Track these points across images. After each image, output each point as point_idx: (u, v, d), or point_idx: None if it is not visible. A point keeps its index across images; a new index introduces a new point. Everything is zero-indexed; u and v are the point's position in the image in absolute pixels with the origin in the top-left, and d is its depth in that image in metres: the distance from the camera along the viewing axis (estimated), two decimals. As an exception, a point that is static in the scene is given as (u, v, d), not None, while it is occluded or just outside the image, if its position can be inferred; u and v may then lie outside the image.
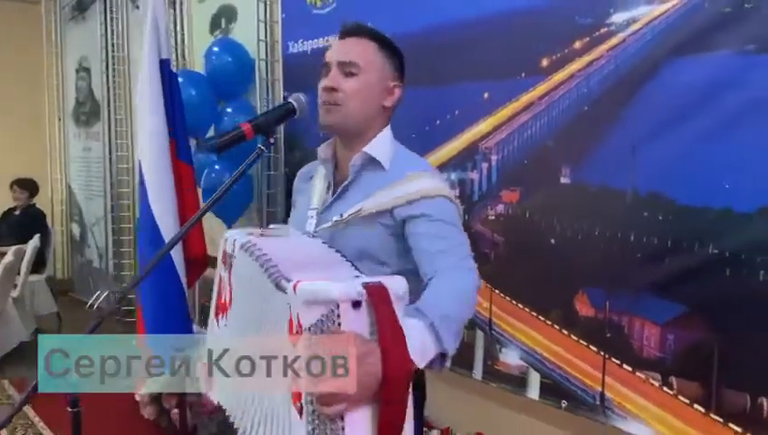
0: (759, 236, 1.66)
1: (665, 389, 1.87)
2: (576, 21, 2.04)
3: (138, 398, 3.35)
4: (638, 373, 1.93)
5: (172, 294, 2.56)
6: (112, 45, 5.33)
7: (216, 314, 1.27)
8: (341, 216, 1.27)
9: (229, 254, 1.21)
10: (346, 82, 1.31)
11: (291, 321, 0.96)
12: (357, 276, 1.01)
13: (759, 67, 1.65)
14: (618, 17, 1.95)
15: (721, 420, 1.75)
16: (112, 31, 5.33)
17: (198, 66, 3.86)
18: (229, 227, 3.61)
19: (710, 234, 1.75)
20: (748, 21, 1.66)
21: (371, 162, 1.32)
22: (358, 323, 0.93)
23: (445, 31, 2.45)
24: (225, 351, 1.17)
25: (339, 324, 0.93)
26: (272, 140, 1.29)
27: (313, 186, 1.41)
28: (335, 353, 0.91)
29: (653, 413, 1.89)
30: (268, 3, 3.51)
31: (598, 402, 2.04)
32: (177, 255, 2.65)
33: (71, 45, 6.24)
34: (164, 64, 2.70)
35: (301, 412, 0.94)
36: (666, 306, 1.86)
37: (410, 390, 0.97)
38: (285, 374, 0.96)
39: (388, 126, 1.38)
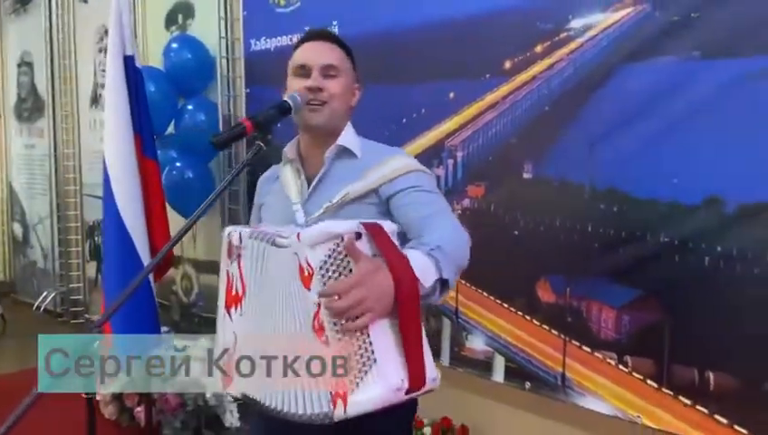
0: (703, 225, 1.84)
1: (620, 367, 2.03)
2: (537, 26, 2.18)
3: (98, 397, 3.31)
4: (596, 354, 2.09)
5: (139, 290, 2.55)
6: (58, 40, 5.19)
7: (228, 308, 1.29)
8: (331, 201, 1.34)
9: (236, 246, 1.25)
10: (329, 83, 1.40)
11: (301, 268, 1.05)
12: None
13: (704, 72, 1.83)
14: (576, 23, 2.10)
15: (671, 393, 1.92)
16: (58, 25, 5.19)
17: (153, 62, 3.83)
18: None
19: (660, 224, 1.92)
20: (694, 29, 1.83)
21: (344, 152, 1.42)
22: (362, 250, 1.05)
23: (411, 32, 2.55)
24: (247, 337, 1.21)
25: (345, 255, 1.04)
26: (269, 136, 1.33)
27: (285, 184, 1.45)
28: (349, 275, 1.03)
29: (610, 390, 2.05)
30: (228, 0, 3.52)
31: (559, 382, 2.18)
32: (143, 249, 2.65)
33: (12, 39, 6.02)
34: (128, 60, 2.69)
35: (327, 343, 1.02)
36: (621, 291, 2.02)
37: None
38: (304, 316, 1.05)
39: (349, 123, 1.48)
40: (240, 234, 1.25)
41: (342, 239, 1.04)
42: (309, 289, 1.05)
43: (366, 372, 1.03)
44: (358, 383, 1.03)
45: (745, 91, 1.76)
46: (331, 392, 1.02)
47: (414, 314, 1.07)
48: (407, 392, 1.05)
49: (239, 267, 1.24)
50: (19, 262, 6.18)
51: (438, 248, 1.17)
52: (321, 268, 1.04)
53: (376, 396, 1.02)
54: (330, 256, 1.04)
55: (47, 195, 5.51)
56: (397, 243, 1.11)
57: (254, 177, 1.65)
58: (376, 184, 1.34)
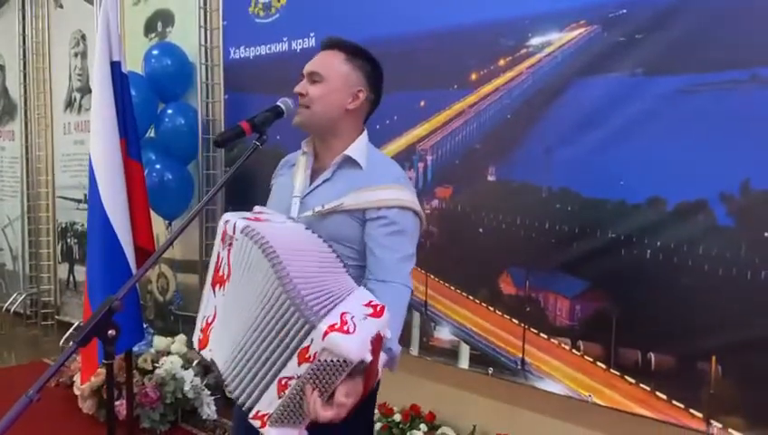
0: (646, 222, 2.07)
1: (574, 351, 2.24)
2: (500, 42, 2.40)
3: (77, 392, 3.39)
4: (552, 340, 2.30)
5: (123, 282, 2.66)
6: (32, 43, 5.23)
7: (214, 285, 1.44)
8: (323, 207, 1.47)
9: (229, 235, 1.38)
10: (311, 88, 1.53)
11: (307, 347, 1.19)
12: (363, 317, 1.21)
13: (646, 87, 2.06)
14: (535, 41, 2.32)
15: (618, 373, 2.14)
16: (32, 29, 5.24)
17: (131, 67, 3.93)
18: (170, 223, 3.73)
19: (609, 221, 2.14)
20: (638, 49, 2.07)
21: (350, 161, 1.53)
22: (357, 368, 1.20)
23: (385, 44, 2.73)
24: (224, 316, 1.38)
25: (344, 372, 1.18)
26: (265, 137, 1.49)
27: (295, 174, 1.59)
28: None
29: (564, 372, 2.26)
30: (209, 10, 3.67)
31: (519, 367, 2.38)
32: (128, 247, 2.76)
33: (-18, 41, 6.01)
34: (115, 66, 2.81)
35: (280, 397, 1.22)
36: (574, 282, 2.23)
37: None
38: (285, 356, 1.22)
39: (365, 132, 1.58)
40: (235, 224, 1.36)
41: (349, 364, 1.17)
42: (298, 364, 1.20)
43: (288, 426, 1.24)
44: (278, 424, 1.24)
45: (682, 103, 2.00)
46: (256, 413, 1.26)
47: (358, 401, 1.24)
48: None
49: (228, 254, 1.38)
50: (-14, 265, 6.14)
51: (393, 342, 1.34)
52: (319, 362, 1.17)
53: None
54: (331, 362, 1.17)
55: (17, 197, 5.52)
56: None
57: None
58: (363, 207, 1.45)
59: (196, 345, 1.48)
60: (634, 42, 2.08)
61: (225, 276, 1.40)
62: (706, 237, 1.95)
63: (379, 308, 1.24)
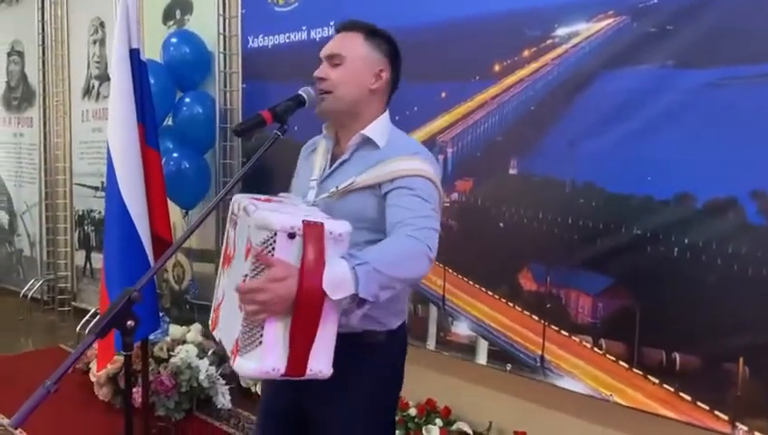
0: (673, 219, 2.01)
1: (595, 349, 2.20)
2: (525, 32, 2.34)
3: (93, 378, 3.41)
4: (573, 337, 2.25)
5: (140, 272, 2.65)
6: (51, 30, 5.24)
7: (223, 265, 1.48)
8: (337, 187, 1.45)
9: (235, 214, 1.41)
10: (333, 72, 1.50)
11: (248, 238, 1.22)
12: (307, 215, 1.22)
13: (676, 79, 2.00)
14: (561, 31, 2.26)
15: (641, 373, 2.09)
16: (51, 15, 5.24)
17: (149, 54, 3.91)
18: (187, 212, 3.72)
19: (634, 218, 2.09)
20: (669, 40, 2.01)
21: (367, 142, 1.49)
22: (288, 250, 1.16)
23: (406, 34, 2.67)
24: (229, 290, 1.38)
25: (273, 249, 1.16)
26: (285, 127, 1.46)
27: (315, 159, 1.58)
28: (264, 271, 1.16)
29: (585, 371, 2.22)
30: (227, -2, 3.64)
31: (538, 364, 2.34)
32: (145, 235, 2.75)
33: (2, 28, 6.03)
34: (134, 54, 2.79)
35: (240, 309, 1.20)
36: (597, 279, 2.19)
37: (324, 310, 1.18)
38: (237, 280, 1.23)
39: (386, 112, 1.55)
40: (239, 203, 1.38)
41: (275, 235, 1.15)
42: (245, 259, 1.23)
43: (252, 349, 1.19)
44: (244, 353, 1.20)
45: (713, 97, 1.94)
46: (233, 345, 1.24)
47: (309, 319, 1.17)
48: (283, 375, 1.20)
49: (234, 233, 1.40)
50: (5, 250, 6.19)
51: (365, 264, 1.19)
52: (255, 248, 1.17)
53: (250, 369, 1.20)
54: (264, 243, 1.16)
55: (35, 183, 5.55)
56: (332, 250, 1.18)
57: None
58: (376, 181, 1.42)
59: (211, 327, 1.52)
60: (664, 33, 2.02)
61: (231, 254, 1.42)
62: (736, 236, 1.90)
63: (342, 222, 1.22)
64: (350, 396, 1.45)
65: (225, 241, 1.50)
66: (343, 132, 1.56)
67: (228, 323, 1.33)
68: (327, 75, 1.50)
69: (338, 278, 1.17)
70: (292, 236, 1.15)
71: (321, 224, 1.17)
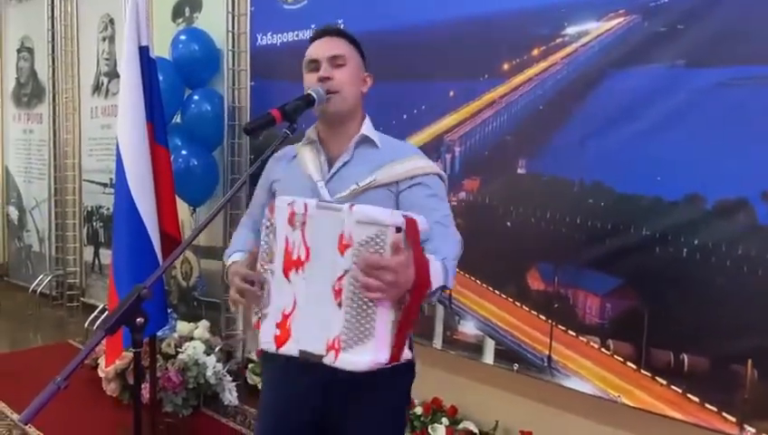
0: (683, 220, 2.00)
1: (603, 350, 2.19)
2: (534, 31, 2.33)
3: (101, 374, 3.43)
4: (580, 338, 2.25)
5: (148, 268, 2.66)
6: (61, 26, 5.26)
7: (287, 271, 1.35)
8: (358, 184, 1.46)
9: (300, 214, 1.33)
10: (338, 72, 1.52)
11: (341, 235, 1.23)
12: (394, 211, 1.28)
13: (686, 79, 1.99)
14: (571, 30, 2.25)
15: (649, 374, 2.08)
16: (61, 12, 5.27)
17: (158, 52, 3.93)
18: (195, 209, 3.73)
19: (643, 218, 2.08)
20: (679, 39, 2.00)
21: (366, 141, 1.53)
22: (397, 243, 1.21)
23: (415, 32, 2.69)
24: (309, 296, 1.32)
25: (384, 242, 1.20)
26: (295, 126, 1.46)
27: (304, 164, 1.54)
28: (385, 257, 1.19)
29: (592, 371, 2.22)
30: (236, -5, 3.65)
31: (545, 364, 2.34)
32: (154, 233, 2.76)
33: (12, 24, 6.07)
34: (143, 51, 2.80)
35: (340, 305, 1.24)
36: (605, 280, 2.18)
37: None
38: (330, 275, 1.25)
39: (367, 115, 1.60)
40: (306, 204, 1.33)
41: (385, 229, 1.20)
42: (342, 256, 1.23)
43: (362, 342, 1.21)
44: (350, 348, 1.22)
45: (724, 97, 1.93)
46: (328, 342, 1.24)
47: (416, 309, 1.25)
48: (389, 362, 1.25)
49: (302, 234, 1.32)
50: (14, 245, 6.24)
51: (448, 259, 1.35)
52: (359, 244, 1.21)
53: (362, 362, 1.22)
54: (370, 239, 1.20)
55: (45, 179, 5.58)
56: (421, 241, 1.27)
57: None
58: (399, 177, 1.47)
59: (270, 345, 1.35)
60: (675, 32, 2.01)
61: (302, 258, 1.34)
62: (746, 237, 1.89)
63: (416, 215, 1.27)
64: (377, 395, 1.46)
65: (282, 246, 1.36)
66: (335, 133, 1.55)
67: (313, 325, 1.28)
68: (333, 75, 1.51)
69: (435, 271, 1.29)
70: (399, 230, 1.20)
71: (416, 219, 1.24)
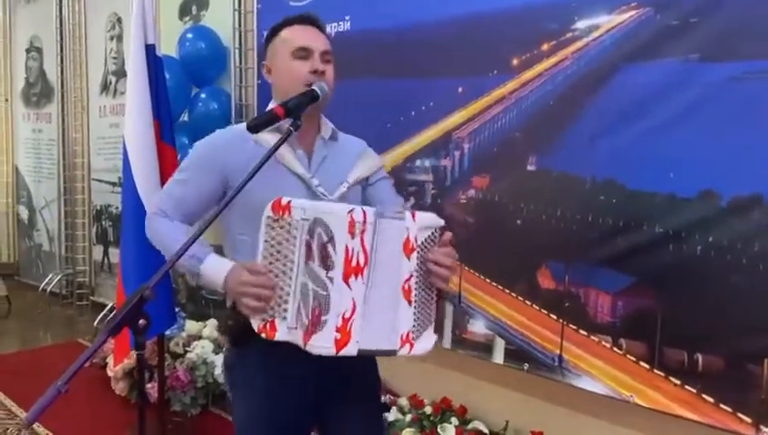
0: (697, 217, 1.96)
1: (615, 349, 2.15)
2: (544, 26, 2.29)
3: (110, 373, 3.43)
4: (591, 337, 2.21)
5: (156, 267, 2.65)
6: (69, 26, 5.27)
7: (347, 279, 1.33)
8: (348, 181, 1.52)
9: (359, 222, 1.32)
10: (328, 68, 1.52)
11: (407, 240, 1.35)
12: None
13: (700, 73, 1.94)
14: (581, 24, 2.21)
15: (662, 374, 2.04)
16: (69, 11, 5.28)
17: (165, 50, 3.92)
18: (202, 208, 3.72)
19: (656, 215, 2.04)
20: (693, 33, 1.95)
21: (333, 136, 1.59)
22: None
23: (422, 28, 2.65)
24: (372, 301, 1.34)
25: (434, 240, 1.39)
26: (299, 122, 1.43)
27: (283, 158, 1.46)
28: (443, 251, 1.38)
29: (604, 371, 2.18)
30: (243, -7, 3.63)
31: (556, 364, 2.31)
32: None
33: (21, 24, 6.09)
34: (149, 49, 2.79)
35: (410, 303, 1.35)
36: (617, 278, 2.14)
37: None
38: (398, 277, 1.34)
39: None
40: (365, 212, 1.33)
41: (438, 229, 1.39)
42: (408, 259, 1.35)
43: (426, 329, 1.40)
44: (420, 335, 1.38)
45: (739, 91, 1.88)
46: (402, 337, 1.35)
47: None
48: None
49: (362, 241, 1.33)
50: (24, 244, 6.27)
51: None
52: (420, 246, 1.36)
53: (429, 345, 1.39)
54: (428, 239, 1.38)
55: (54, 179, 5.60)
56: None
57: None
58: (370, 172, 1.59)
59: (330, 350, 1.32)
60: (688, 26, 1.96)
61: (361, 264, 1.34)
62: (762, 234, 1.84)
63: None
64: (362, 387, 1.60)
65: (342, 255, 1.32)
66: (308, 128, 1.51)
67: (379, 325, 1.35)
68: (326, 71, 1.51)
69: None
70: (444, 229, 1.41)
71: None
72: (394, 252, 1.36)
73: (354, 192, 1.55)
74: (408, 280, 1.35)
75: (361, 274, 1.34)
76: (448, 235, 1.40)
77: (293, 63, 1.49)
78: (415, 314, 1.36)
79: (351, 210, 1.34)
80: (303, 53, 1.49)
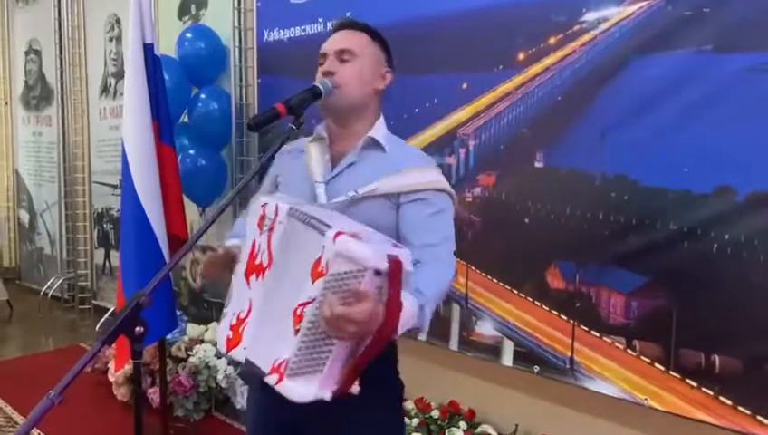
0: (713, 213, 1.90)
1: (629, 351, 2.09)
2: (551, 18, 2.23)
3: (111, 378, 3.38)
4: (604, 338, 2.15)
5: (156, 270, 2.60)
6: (68, 28, 5.22)
7: (248, 276, 1.30)
8: (356, 192, 1.37)
9: (270, 218, 1.27)
10: (342, 67, 1.43)
11: (318, 260, 1.12)
12: (383, 242, 1.16)
13: (715, 65, 1.88)
14: (589, 16, 2.15)
15: (678, 376, 1.98)
16: (68, 13, 5.23)
17: (165, 50, 3.87)
18: (203, 210, 3.67)
19: (671, 212, 1.98)
20: (706, 23, 1.89)
21: (374, 144, 1.43)
22: (372, 284, 1.09)
23: (425, 23, 2.60)
24: (264, 304, 1.25)
25: (360, 282, 1.09)
26: (301, 120, 1.38)
27: (308, 160, 1.47)
28: (356, 299, 1.07)
29: (618, 373, 2.12)
30: (243, -9, 3.57)
31: (568, 366, 2.24)
32: (160, 233, 2.70)
33: (19, 27, 6.05)
34: (148, 49, 2.74)
35: (297, 332, 1.13)
36: (630, 277, 2.08)
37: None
38: (294, 297, 1.15)
39: (382, 116, 1.49)
40: (277, 207, 1.26)
41: (365, 269, 1.08)
42: (312, 282, 1.13)
43: (309, 373, 1.12)
44: (294, 376, 1.13)
45: (754, 83, 1.82)
46: (275, 363, 1.16)
47: (376, 353, 1.13)
48: (335, 395, 1.15)
49: (269, 240, 1.26)
50: (25, 248, 6.22)
51: (430, 302, 1.24)
52: (333, 276, 1.10)
53: (304, 394, 1.12)
54: (346, 275, 1.10)
55: (55, 182, 5.56)
56: (406, 285, 1.14)
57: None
58: (402, 189, 1.37)
59: (222, 347, 1.32)
60: (701, 16, 1.90)
61: (264, 264, 1.27)
62: (781, 231, 1.78)
63: (403, 248, 1.16)
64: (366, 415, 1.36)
65: (249, 248, 1.32)
66: (341, 132, 1.47)
67: (266, 340, 1.22)
68: (337, 70, 1.43)
69: (408, 316, 1.18)
70: (378, 273, 1.09)
71: (401, 261, 1.11)
72: (301, 265, 1.16)
73: (371, 207, 1.37)
74: (304, 305, 1.13)
75: (263, 275, 1.26)
76: (369, 281, 1.09)
77: (318, 71, 1.47)
78: (300, 347, 1.13)
79: (265, 204, 1.28)
80: (322, 60, 1.47)
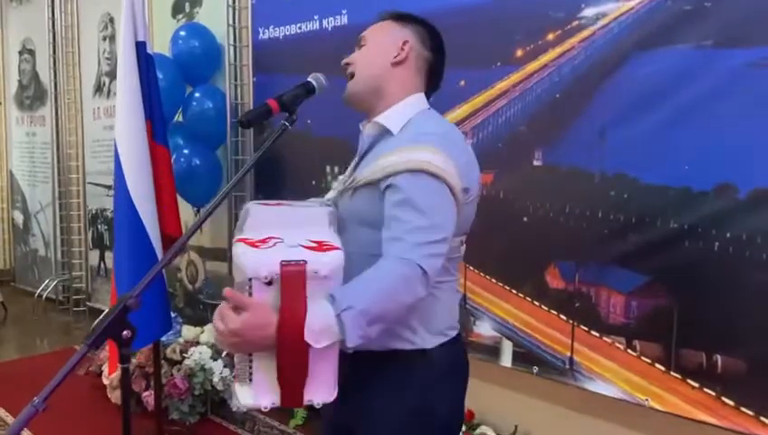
0: (714, 211, 1.87)
1: (629, 351, 2.06)
2: (549, 14, 2.20)
3: (106, 381, 3.34)
4: (604, 338, 2.12)
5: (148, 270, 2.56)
6: (61, 27, 5.18)
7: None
8: (345, 185, 1.33)
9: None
10: (355, 55, 1.41)
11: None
12: (296, 245, 1.12)
13: (715, 60, 1.85)
14: (588, 12, 2.12)
15: (679, 376, 1.95)
16: (61, 12, 5.18)
17: (159, 49, 3.83)
18: (198, 210, 3.63)
19: (671, 210, 1.95)
20: (707, 18, 1.86)
21: (384, 130, 1.32)
22: (266, 295, 1.08)
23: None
24: None
25: (250, 293, 1.09)
26: (294, 117, 1.35)
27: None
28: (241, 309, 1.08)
29: (618, 374, 2.09)
30: (237, -11, 3.53)
31: (567, 366, 2.21)
32: (154, 234, 2.66)
33: (13, 26, 6.00)
34: (140, 47, 2.70)
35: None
36: (630, 276, 2.05)
37: (310, 355, 1.08)
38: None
39: (415, 95, 1.36)
40: (244, 214, 1.26)
41: (251, 280, 1.08)
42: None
43: (244, 382, 1.14)
44: (240, 382, 1.14)
45: (756, 79, 1.79)
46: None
47: (295, 364, 1.09)
48: (282, 406, 1.14)
49: None
50: (20, 250, 6.17)
51: (350, 309, 1.08)
52: (237, 285, 1.12)
53: (245, 402, 1.14)
54: (239, 284, 1.11)
55: (49, 183, 5.50)
56: (320, 291, 1.09)
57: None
58: (372, 177, 1.25)
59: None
60: (702, 10, 1.87)
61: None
62: (784, 229, 1.75)
63: (324, 246, 1.12)
64: (374, 424, 1.30)
65: None
66: (371, 119, 1.39)
67: None
68: (352, 59, 1.41)
69: (321, 327, 1.08)
70: (269, 282, 1.07)
71: (303, 265, 1.07)
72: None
73: (362, 198, 1.28)
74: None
75: None
76: (257, 296, 1.08)
77: None
78: (235, 358, 1.16)
79: (247, 208, 1.28)
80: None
